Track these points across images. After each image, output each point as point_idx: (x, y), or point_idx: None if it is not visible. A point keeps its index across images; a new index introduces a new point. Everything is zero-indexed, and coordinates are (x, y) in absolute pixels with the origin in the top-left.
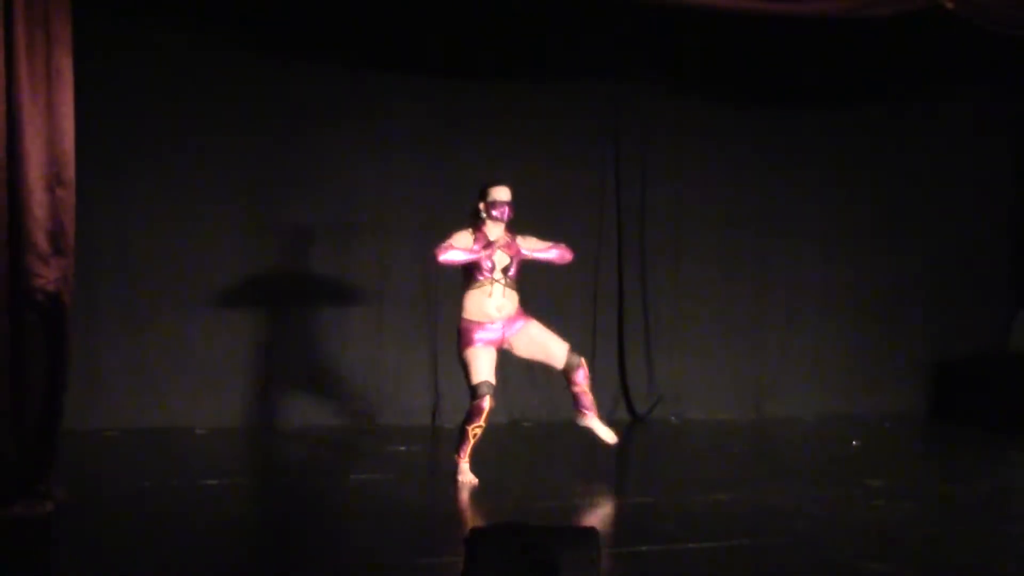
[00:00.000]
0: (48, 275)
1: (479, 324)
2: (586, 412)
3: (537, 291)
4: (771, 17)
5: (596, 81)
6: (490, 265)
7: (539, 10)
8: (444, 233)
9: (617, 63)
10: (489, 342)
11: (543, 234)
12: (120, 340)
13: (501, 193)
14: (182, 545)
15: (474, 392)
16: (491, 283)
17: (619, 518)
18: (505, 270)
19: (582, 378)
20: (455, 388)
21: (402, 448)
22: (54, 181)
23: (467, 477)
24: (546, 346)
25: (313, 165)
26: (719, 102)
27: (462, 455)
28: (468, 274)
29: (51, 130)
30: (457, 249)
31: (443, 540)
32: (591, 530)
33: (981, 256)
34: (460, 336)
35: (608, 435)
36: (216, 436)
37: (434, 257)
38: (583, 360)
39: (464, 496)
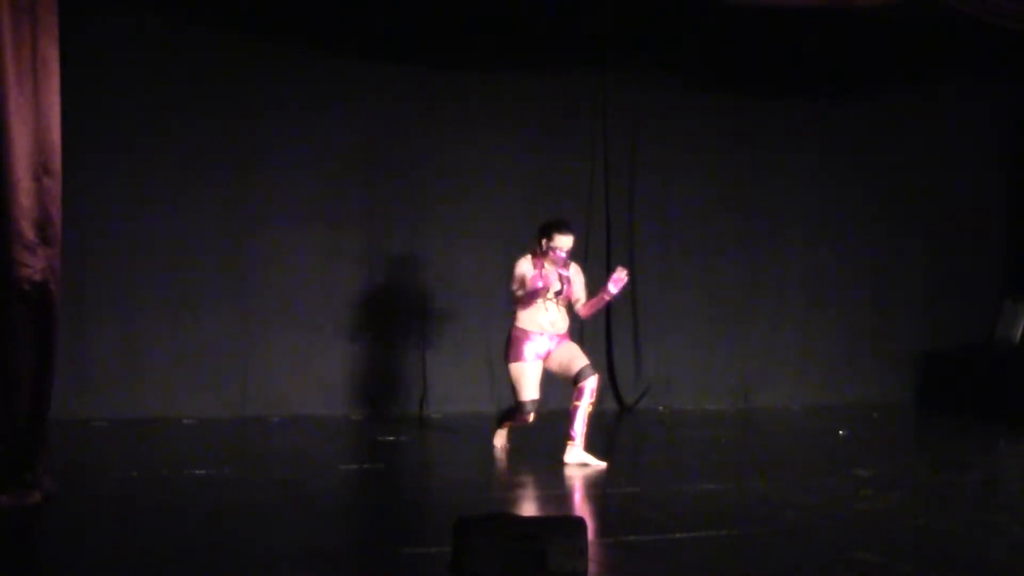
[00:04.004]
0: (35, 265)
1: (527, 334)
2: (572, 441)
3: None
4: (762, 9)
5: (586, 71)
6: (542, 286)
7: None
8: (441, 228)
9: (606, 53)
10: (538, 356)
11: (532, 224)
12: (108, 330)
13: (563, 242)
14: (170, 535)
15: (520, 408)
16: (544, 301)
17: (607, 508)
18: (557, 293)
19: (587, 394)
20: (442, 378)
21: (390, 438)
22: (40, 170)
23: (501, 441)
24: (572, 359)
25: (301, 153)
26: (708, 92)
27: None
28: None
29: (37, 119)
30: (527, 291)
31: (431, 530)
32: (579, 520)
33: (969, 247)
34: (510, 345)
35: (597, 462)
36: (204, 426)
37: (517, 302)
38: (596, 378)
39: (454, 486)
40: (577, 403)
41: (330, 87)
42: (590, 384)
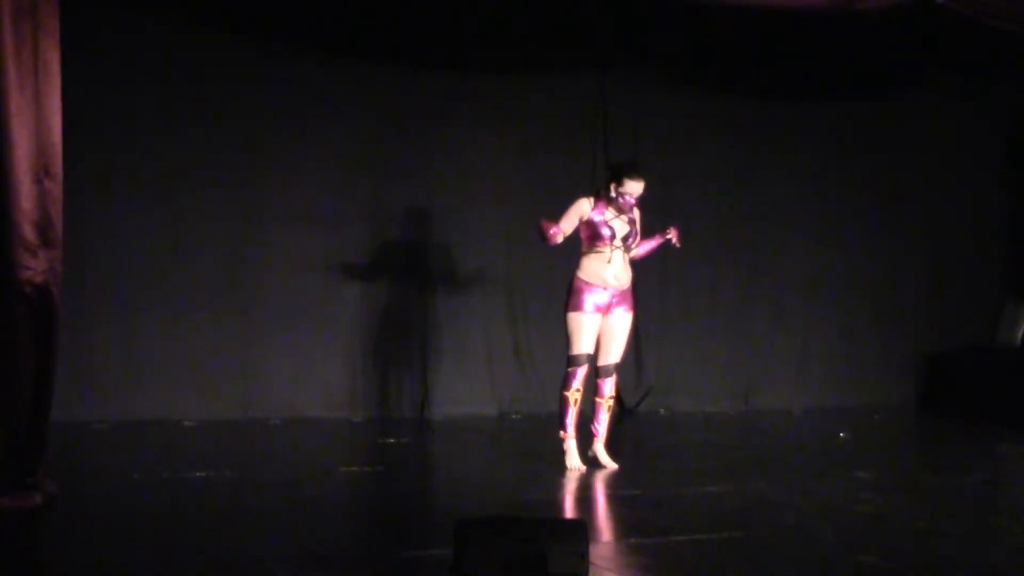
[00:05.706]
0: (36, 267)
1: (591, 286)
2: (595, 435)
3: (528, 282)
4: (761, 11)
5: (586, 72)
6: (610, 233)
7: (529, 1)
8: (442, 229)
9: (607, 55)
10: (598, 308)
11: (533, 225)
12: (109, 332)
13: (634, 187)
14: (171, 537)
15: (572, 360)
16: (611, 250)
17: (608, 510)
18: (624, 239)
19: (608, 388)
20: (443, 380)
21: (391, 440)
22: (42, 173)
23: (574, 463)
24: (612, 341)
25: (301, 155)
26: (709, 93)
27: (566, 429)
28: (587, 238)
29: (38, 122)
30: (557, 231)
31: (432, 532)
32: (580, 522)
33: (970, 249)
34: (570, 295)
35: (610, 463)
36: (204, 428)
37: (546, 240)
38: (615, 377)
39: (455, 488)
40: (597, 398)
41: (331, 88)
42: (610, 381)
